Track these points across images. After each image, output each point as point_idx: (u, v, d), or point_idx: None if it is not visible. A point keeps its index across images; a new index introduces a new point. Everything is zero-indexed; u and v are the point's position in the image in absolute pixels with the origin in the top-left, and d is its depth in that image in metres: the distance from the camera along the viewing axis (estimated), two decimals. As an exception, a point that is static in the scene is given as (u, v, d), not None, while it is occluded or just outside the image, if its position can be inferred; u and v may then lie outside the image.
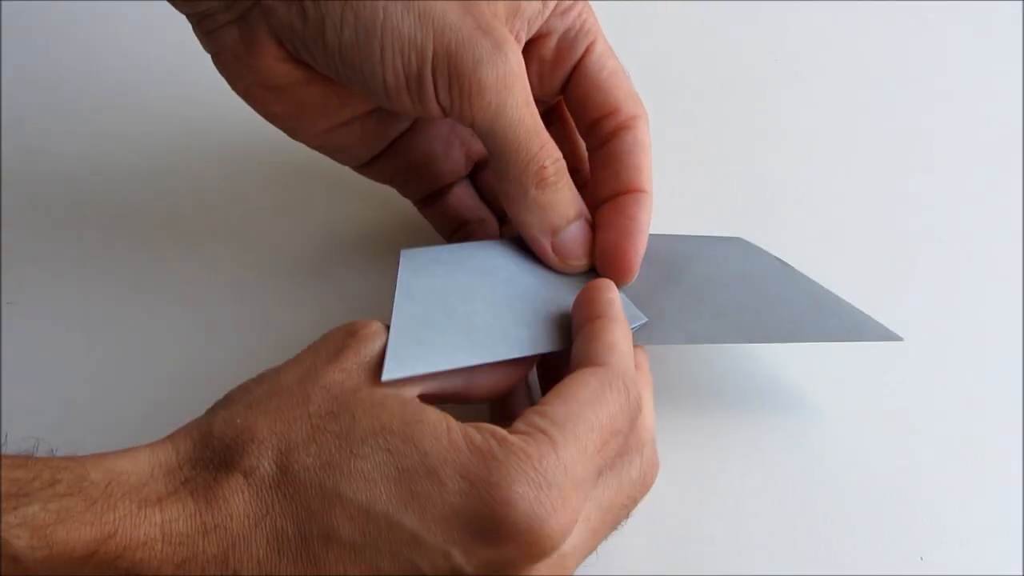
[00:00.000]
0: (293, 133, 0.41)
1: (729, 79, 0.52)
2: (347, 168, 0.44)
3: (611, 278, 0.39)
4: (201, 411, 0.34)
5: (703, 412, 0.42)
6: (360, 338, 0.35)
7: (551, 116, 0.43)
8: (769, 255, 0.41)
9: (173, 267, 0.47)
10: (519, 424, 0.33)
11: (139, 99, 0.51)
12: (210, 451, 0.32)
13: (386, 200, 0.46)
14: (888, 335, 0.39)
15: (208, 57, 0.40)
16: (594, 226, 0.40)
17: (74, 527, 0.29)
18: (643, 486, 0.36)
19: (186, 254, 0.47)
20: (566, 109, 0.43)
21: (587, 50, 0.41)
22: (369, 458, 0.32)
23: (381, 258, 0.46)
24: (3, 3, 0.54)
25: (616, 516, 0.35)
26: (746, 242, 0.42)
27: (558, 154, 0.39)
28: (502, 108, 0.37)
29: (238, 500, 0.31)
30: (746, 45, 0.53)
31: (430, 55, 0.36)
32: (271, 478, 0.31)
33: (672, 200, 0.46)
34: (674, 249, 0.42)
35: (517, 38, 0.39)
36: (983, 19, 0.53)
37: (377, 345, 0.35)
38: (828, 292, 0.40)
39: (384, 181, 0.44)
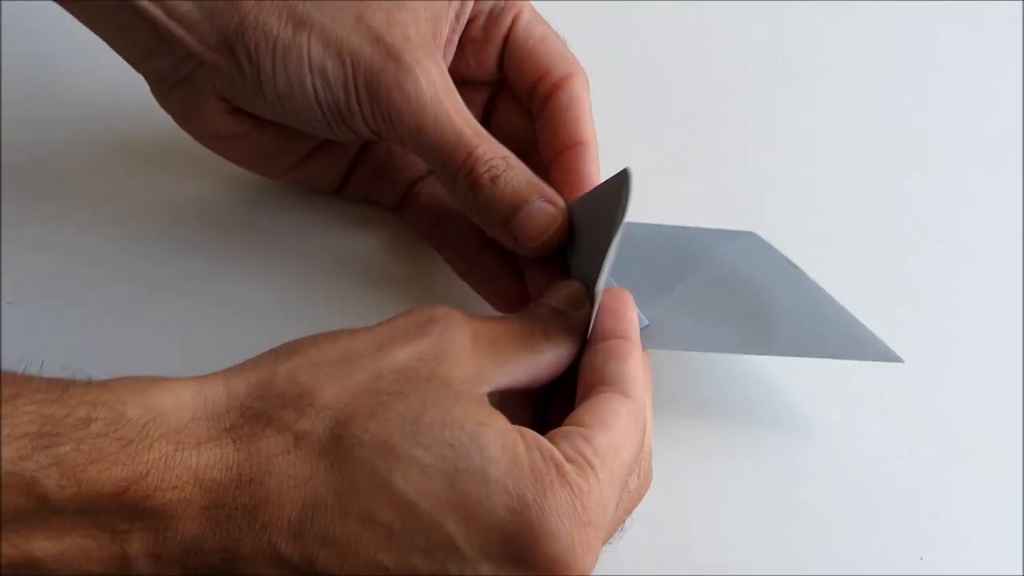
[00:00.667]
0: (263, 174, 0.44)
1: (725, 79, 0.52)
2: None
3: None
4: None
5: (701, 412, 0.42)
6: (441, 326, 0.35)
7: (502, 94, 0.44)
8: (779, 254, 0.41)
9: (175, 266, 0.47)
10: (567, 447, 0.33)
11: (140, 99, 0.51)
12: (264, 403, 0.32)
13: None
14: (889, 355, 0.39)
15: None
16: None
17: (105, 467, 0.28)
18: (638, 497, 0.36)
19: (188, 253, 0.47)
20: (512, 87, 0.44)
21: (513, 22, 0.42)
22: (431, 449, 0.31)
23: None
24: (3, 3, 0.54)
25: (613, 531, 0.35)
26: (759, 238, 0.42)
27: (493, 153, 0.39)
28: (421, 127, 0.39)
29: (283, 460, 0.31)
30: (743, 45, 0.54)
31: (353, 87, 0.39)
32: (322, 446, 0.31)
33: (670, 201, 0.46)
34: (686, 245, 0.42)
35: (449, 40, 0.41)
36: (980, 19, 0.53)
37: (457, 336, 0.34)
38: (833, 302, 0.40)
39: (360, 199, 0.46)
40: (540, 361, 0.36)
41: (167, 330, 0.45)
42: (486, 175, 0.39)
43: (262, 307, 0.45)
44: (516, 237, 0.39)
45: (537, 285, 0.41)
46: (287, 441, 0.31)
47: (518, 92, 0.43)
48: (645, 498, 0.39)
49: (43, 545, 0.29)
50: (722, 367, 0.43)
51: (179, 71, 0.40)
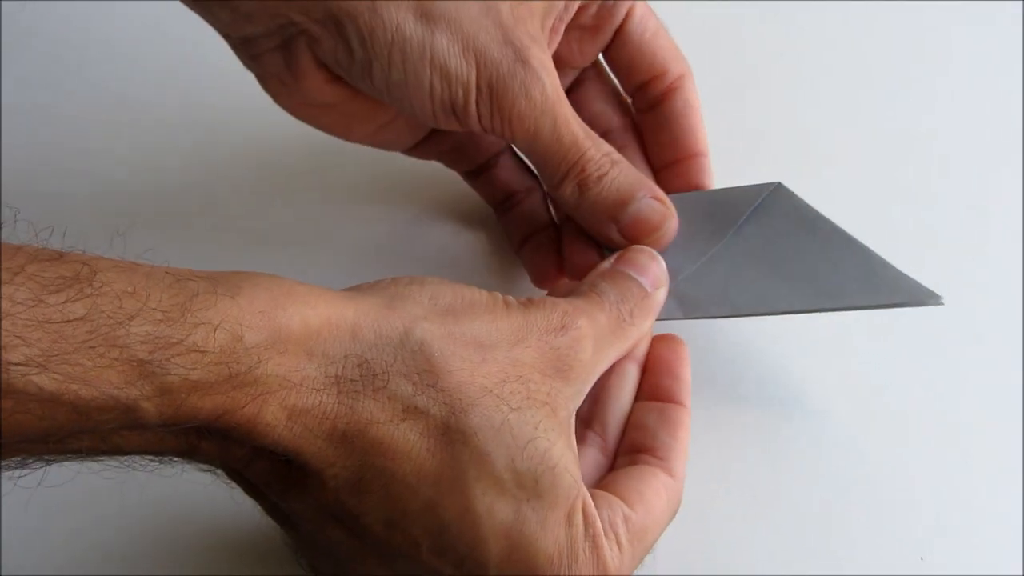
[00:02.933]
0: (341, 136, 0.42)
1: (730, 80, 0.52)
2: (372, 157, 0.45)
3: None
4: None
5: (699, 412, 0.42)
6: (573, 337, 0.35)
7: (588, 74, 0.44)
8: (806, 205, 0.41)
9: (177, 265, 0.47)
10: (607, 518, 0.34)
11: (140, 98, 0.51)
12: (386, 364, 0.31)
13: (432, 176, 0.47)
14: (929, 297, 0.39)
15: (210, 55, 0.40)
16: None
17: (208, 395, 0.28)
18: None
19: (190, 252, 0.47)
20: (606, 68, 0.44)
21: (628, 15, 0.41)
22: (520, 476, 0.32)
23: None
24: (3, 3, 0.54)
25: None
26: (785, 189, 0.41)
27: (601, 153, 0.39)
28: (539, 132, 0.38)
29: (383, 429, 0.31)
30: (750, 46, 0.53)
31: (474, 88, 0.38)
32: (428, 429, 0.31)
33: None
34: (712, 210, 0.41)
35: (555, 29, 0.40)
36: (986, 19, 0.53)
37: (582, 353, 0.35)
38: (867, 249, 0.40)
39: (430, 159, 0.45)
40: (625, 346, 0.37)
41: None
42: (595, 174, 0.39)
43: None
44: (625, 233, 0.40)
45: (574, 262, 0.42)
46: (395, 411, 0.31)
47: (626, 85, 0.43)
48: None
49: (128, 438, 0.29)
50: (719, 365, 0.43)
51: (274, 38, 0.38)
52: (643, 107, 0.43)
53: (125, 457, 0.30)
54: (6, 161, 0.50)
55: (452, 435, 0.31)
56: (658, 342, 0.40)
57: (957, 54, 0.52)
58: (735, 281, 0.40)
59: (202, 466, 0.32)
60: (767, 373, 0.42)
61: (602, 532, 0.33)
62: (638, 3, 0.42)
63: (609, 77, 0.44)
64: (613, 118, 0.44)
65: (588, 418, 0.38)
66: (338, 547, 0.33)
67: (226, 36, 0.39)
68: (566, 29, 0.41)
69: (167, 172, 0.50)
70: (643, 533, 0.34)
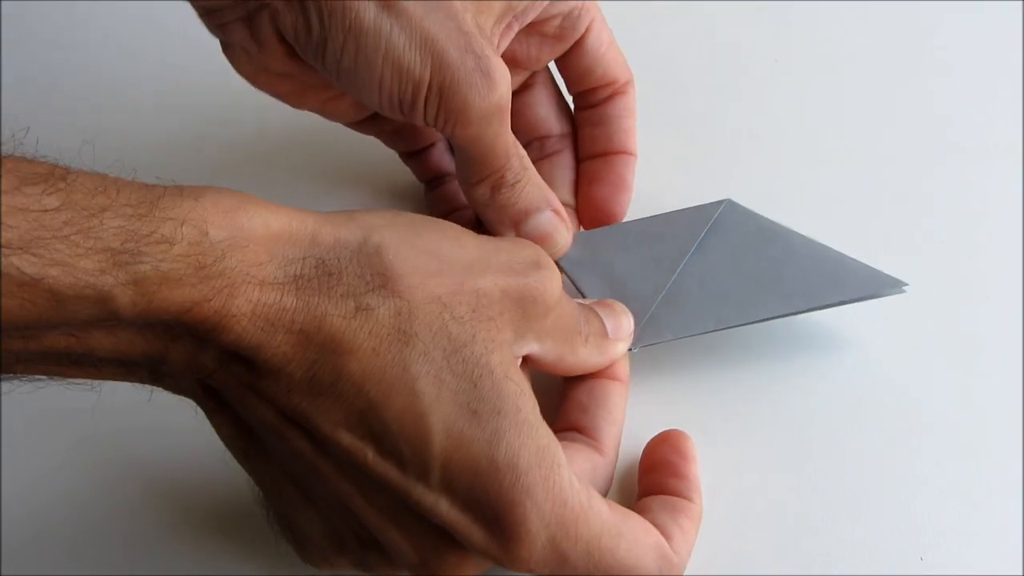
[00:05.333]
0: (294, 104, 0.43)
1: (727, 81, 0.52)
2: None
3: (591, 228, 0.44)
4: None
5: (698, 413, 0.42)
6: (542, 276, 0.36)
7: (539, 78, 0.46)
8: (759, 216, 0.43)
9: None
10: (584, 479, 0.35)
11: (140, 97, 0.51)
12: (343, 264, 0.32)
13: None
14: (894, 284, 0.40)
15: (209, 54, 0.40)
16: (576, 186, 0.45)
17: (177, 288, 0.29)
18: None
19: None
20: (553, 73, 0.46)
21: (588, 28, 0.43)
22: (459, 377, 0.33)
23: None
24: (3, 3, 0.54)
25: None
26: (734, 204, 0.43)
27: (520, 162, 0.41)
28: (480, 137, 0.39)
29: (334, 323, 0.32)
30: (744, 47, 0.53)
31: (425, 87, 0.38)
32: (377, 327, 0.32)
33: (671, 204, 0.46)
34: (667, 233, 0.43)
35: (509, 28, 0.41)
36: (986, 19, 0.53)
37: (547, 296, 0.36)
38: (826, 248, 0.42)
39: (371, 134, 0.46)
40: (568, 359, 0.38)
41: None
42: (510, 181, 0.41)
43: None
44: (527, 239, 0.41)
45: None
46: (348, 308, 0.32)
47: (573, 87, 0.45)
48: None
49: (100, 338, 0.30)
50: (717, 366, 0.43)
51: (238, 9, 0.39)
52: (585, 105, 0.45)
53: (96, 374, 0.32)
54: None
55: (397, 335, 0.32)
56: (660, 442, 0.40)
57: (957, 54, 0.52)
58: (708, 297, 0.41)
59: (170, 387, 0.33)
60: (765, 373, 0.42)
61: (561, 460, 0.33)
62: (597, 18, 0.43)
63: (555, 83, 0.46)
64: (555, 125, 0.46)
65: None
66: (299, 462, 0.33)
67: (193, 5, 0.40)
68: (527, 34, 0.42)
69: (169, 170, 0.49)
70: (622, 544, 0.35)
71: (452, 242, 0.35)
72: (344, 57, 0.38)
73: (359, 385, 0.32)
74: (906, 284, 0.40)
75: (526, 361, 0.37)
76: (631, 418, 0.40)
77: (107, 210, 0.29)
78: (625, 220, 0.45)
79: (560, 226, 0.42)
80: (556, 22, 0.43)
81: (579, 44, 0.44)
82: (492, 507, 0.32)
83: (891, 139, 0.49)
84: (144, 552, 0.40)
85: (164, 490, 0.41)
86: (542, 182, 0.42)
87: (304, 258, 0.32)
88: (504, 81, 0.39)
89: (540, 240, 0.41)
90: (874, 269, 0.41)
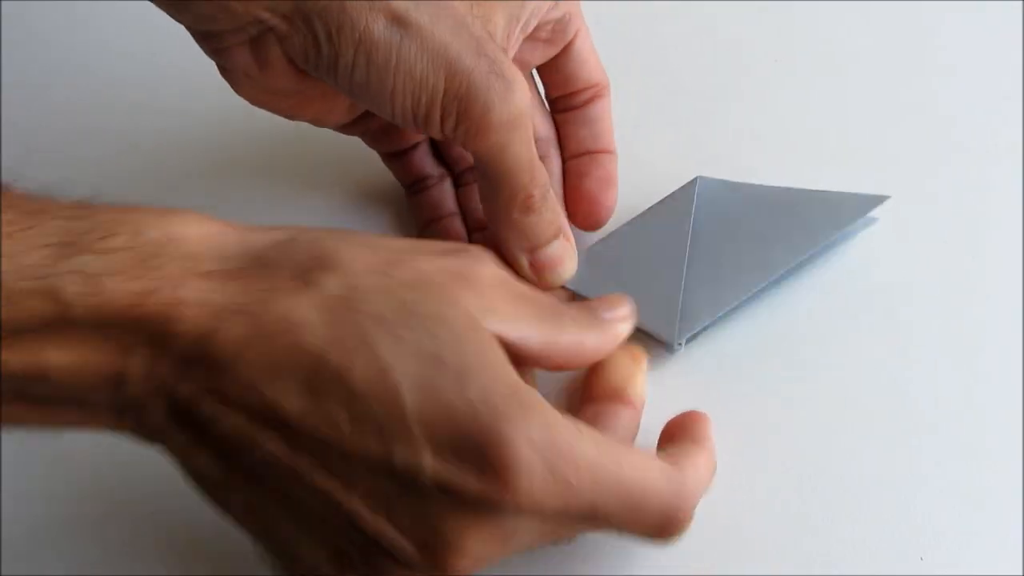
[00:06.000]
0: (289, 117, 0.43)
1: (727, 81, 0.52)
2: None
3: (583, 223, 0.45)
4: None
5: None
6: (473, 255, 0.35)
7: None
8: (732, 183, 0.45)
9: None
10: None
11: (140, 98, 0.51)
12: (281, 255, 0.33)
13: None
14: (874, 201, 0.43)
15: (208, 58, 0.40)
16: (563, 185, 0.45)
17: (122, 280, 0.30)
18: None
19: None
20: (532, 77, 0.46)
21: (576, 33, 0.44)
22: (416, 332, 0.32)
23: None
24: (3, 3, 0.54)
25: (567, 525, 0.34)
26: (707, 180, 0.45)
27: (545, 179, 0.40)
28: (506, 147, 0.38)
29: (281, 300, 0.31)
30: (745, 46, 0.53)
31: (440, 96, 0.38)
32: (326, 300, 0.32)
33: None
34: (662, 225, 0.44)
35: (513, 36, 0.41)
36: (988, 19, 0.53)
37: (486, 271, 0.35)
38: (804, 190, 0.44)
39: (355, 135, 0.46)
40: (559, 339, 0.36)
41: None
42: (538, 200, 0.40)
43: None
44: (535, 265, 0.41)
45: None
46: (292, 286, 0.32)
47: (553, 91, 0.46)
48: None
49: (56, 355, 0.30)
50: (714, 365, 0.43)
51: (240, 35, 0.38)
52: (566, 108, 0.46)
53: (53, 416, 0.31)
54: (6, 160, 0.50)
55: (346, 304, 0.32)
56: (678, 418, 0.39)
57: (959, 54, 0.52)
58: (725, 270, 0.42)
59: (137, 427, 0.32)
60: (765, 372, 0.42)
61: (540, 399, 0.32)
62: (583, 25, 0.44)
63: (536, 86, 0.46)
64: (541, 127, 0.46)
65: None
66: (278, 471, 0.32)
67: (189, 30, 0.39)
68: (525, 40, 0.42)
69: (169, 170, 0.50)
70: (619, 464, 0.33)
71: (380, 238, 0.35)
72: (355, 72, 0.37)
73: (318, 357, 0.31)
74: (887, 196, 0.43)
75: (523, 364, 0.35)
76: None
77: (46, 212, 0.30)
78: (614, 227, 0.45)
79: (570, 250, 0.41)
80: (549, 27, 0.43)
81: (567, 49, 0.44)
82: (478, 447, 0.31)
83: (893, 139, 0.49)
84: (143, 553, 0.40)
85: (168, 490, 0.41)
86: (556, 204, 0.41)
87: (240, 255, 0.32)
88: (522, 85, 0.38)
89: (553, 266, 0.41)
90: (854, 193, 0.43)
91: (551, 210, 0.41)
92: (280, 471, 0.32)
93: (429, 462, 0.31)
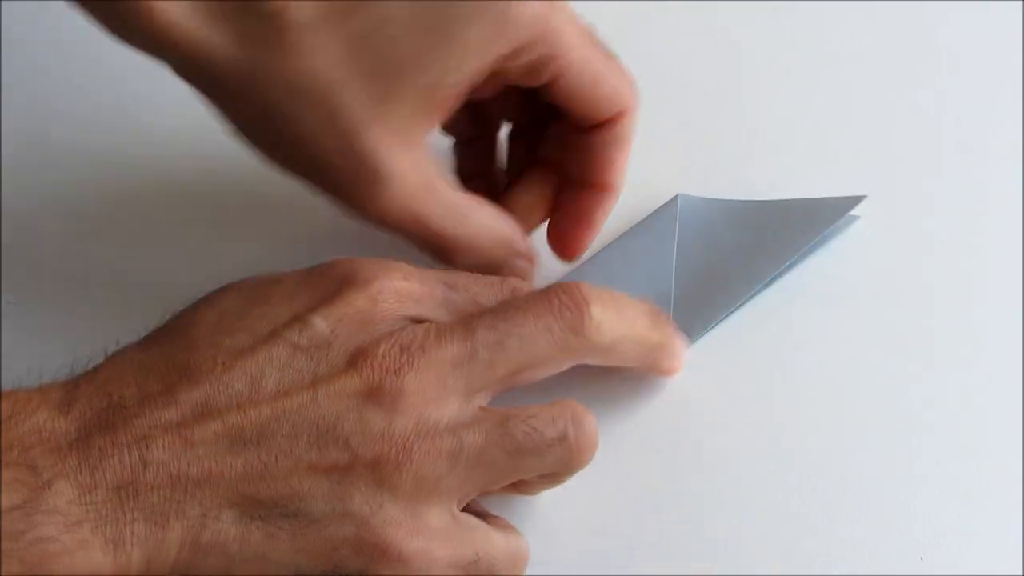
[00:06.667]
0: None
1: (727, 82, 0.52)
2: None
3: (557, 254, 0.42)
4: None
5: (696, 413, 0.42)
6: (358, 291, 0.34)
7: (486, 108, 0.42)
8: (712, 199, 0.45)
9: (177, 265, 0.47)
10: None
11: (141, 97, 0.51)
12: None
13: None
14: (851, 202, 0.44)
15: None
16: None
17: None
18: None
19: (190, 251, 0.47)
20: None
21: (558, 74, 0.38)
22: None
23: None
24: (3, 3, 0.54)
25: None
26: (687, 197, 0.45)
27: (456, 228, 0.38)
28: (402, 226, 0.38)
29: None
30: (746, 47, 0.53)
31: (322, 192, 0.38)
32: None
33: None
34: (645, 242, 0.44)
35: (451, 106, 0.37)
36: (992, 19, 0.53)
37: (386, 307, 0.34)
38: (782, 201, 0.45)
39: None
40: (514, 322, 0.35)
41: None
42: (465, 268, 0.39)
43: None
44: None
45: None
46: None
47: (562, 116, 0.41)
48: (640, 496, 0.39)
49: None
50: (713, 365, 0.43)
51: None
52: (570, 129, 0.41)
53: None
54: (6, 160, 0.50)
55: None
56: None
57: (963, 54, 0.52)
58: (711, 284, 0.43)
59: None
60: (764, 371, 0.42)
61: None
62: (574, 56, 0.38)
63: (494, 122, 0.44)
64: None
65: None
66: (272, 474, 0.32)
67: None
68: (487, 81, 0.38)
69: (170, 170, 0.50)
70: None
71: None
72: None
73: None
74: (864, 195, 0.44)
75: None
76: (625, 414, 0.40)
77: None
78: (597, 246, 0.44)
79: (529, 271, 0.41)
80: (513, 75, 0.38)
81: (553, 86, 0.38)
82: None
83: (896, 139, 0.49)
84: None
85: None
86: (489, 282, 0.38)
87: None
88: (397, 177, 0.36)
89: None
90: (831, 197, 0.44)
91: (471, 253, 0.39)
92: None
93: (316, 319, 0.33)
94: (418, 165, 0.37)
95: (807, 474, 0.40)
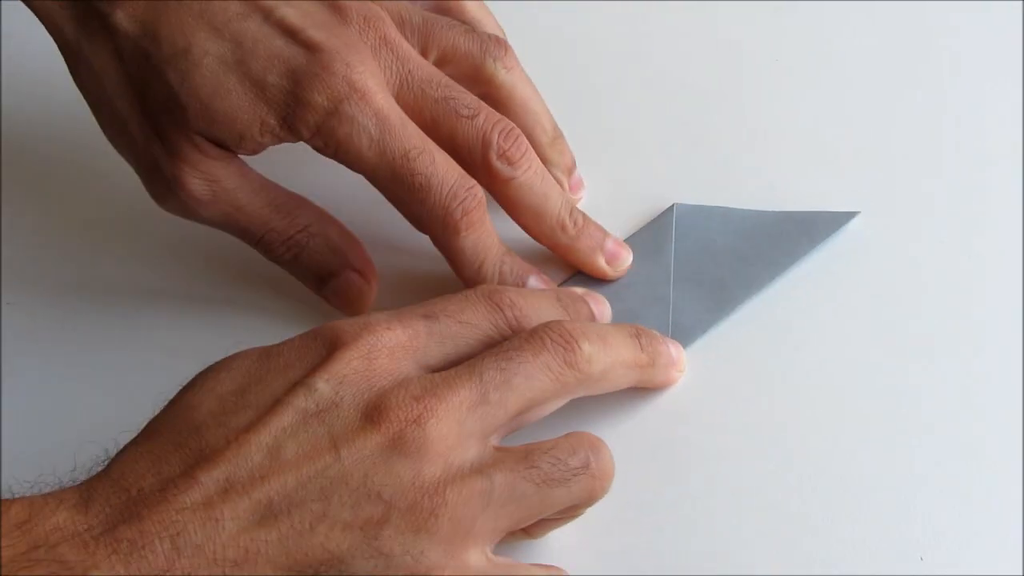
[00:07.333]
0: None
1: (727, 82, 0.52)
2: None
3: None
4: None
5: (695, 413, 0.42)
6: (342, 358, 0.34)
7: None
8: (709, 207, 0.46)
9: (177, 265, 0.47)
10: None
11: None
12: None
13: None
14: (844, 218, 0.45)
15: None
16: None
17: None
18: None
19: (193, 252, 0.47)
20: None
21: (344, 142, 0.40)
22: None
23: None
24: (3, 3, 0.54)
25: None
26: (684, 206, 0.46)
27: (293, 228, 0.44)
28: (225, 223, 0.44)
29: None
30: (746, 47, 0.53)
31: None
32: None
33: (671, 201, 0.46)
34: (643, 252, 0.45)
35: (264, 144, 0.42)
36: (992, 20, 0.53)
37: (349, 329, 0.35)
38: (776, 213, 0.45)
39: None
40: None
41: (170, 330, 0.45)
42: (287, 255, 0.43)
43: (270, 307, 0.45)
44: (331, 303, 0.44)
45: None
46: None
47: None
48: (640, 496, 0.39)
49: None
50: (712, 365, 0.43)
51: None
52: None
53: None
54: (6, 161, 0.50)
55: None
56: None
57: (962, 54, 0.52)
58: (707, 291, 0.43)
59: None
60: (764, 372, 0.42)
61: None
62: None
63: None
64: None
65: None
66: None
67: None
68: None
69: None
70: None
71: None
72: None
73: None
74: (858, 211, 0.45)
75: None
76: (625, 416, 0.41)
77: None
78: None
79: (363, 288, 0.44)
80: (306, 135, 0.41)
81: (336, 155, 0.42)
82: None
83: (895, 139, 0.49)
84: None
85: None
86: (335, 242, 0.44)
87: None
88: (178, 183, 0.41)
89: (343, 305, 0.44)
90: (826, 211, 0.45)
91: (316, 255, 0.44)
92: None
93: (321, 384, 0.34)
94: (210, 177, 0.41)
95: (807, 474, 0.40)
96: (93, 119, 0.43)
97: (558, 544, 0.38)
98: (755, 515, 0.39)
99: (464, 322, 0.36)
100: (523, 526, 0.35)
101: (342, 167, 0.41)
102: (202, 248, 0.47)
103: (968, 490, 0.39)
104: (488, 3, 0.48)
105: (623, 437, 0.39)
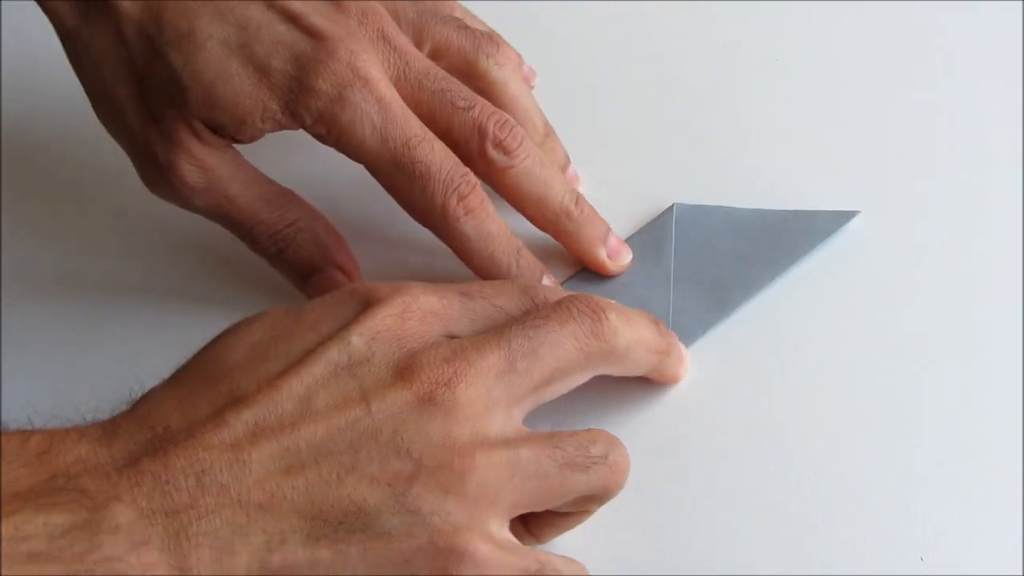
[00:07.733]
0: None
1: (727, 82, 0.52)
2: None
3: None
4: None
5: (695, 413, 0.42)
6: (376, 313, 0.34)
7: None
8: (706, 207, 0.46)
9: (177, 266, 0.47)
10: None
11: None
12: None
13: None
14: (844, 217, 0.45)
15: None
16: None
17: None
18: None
19: (189, 252, 0.47)
20: None
21: (344, 129, 0.41)
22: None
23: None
24: (3, 3, 0.54)
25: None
26: (684, 206, 0.46)
27: (281, 222, 0.44)
28: (216, 212, 0.44)
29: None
30: (745, 47, 0.53)
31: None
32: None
33: (670, 200, 0.46)
34: (643, 252, 0.45)
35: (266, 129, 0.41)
36: (987, 20, 0.53)
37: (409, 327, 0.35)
38: (776, 211, 0.45)
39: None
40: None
41: (171, 331, 0.45)
42: (272, 248, 0.43)
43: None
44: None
45: None
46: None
47: None
48: (640, 496, 0.39)
49: None
50: (711, 366, 0.43)
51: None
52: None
53: None
54: (6, 161, 0.50)
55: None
56: None
57: (957, 54, 0.52)
58: (708, 291, 0.44)
59: None
60: (764, 372, 0.42)
61: None
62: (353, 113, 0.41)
63: None
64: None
65: None
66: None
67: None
68: None
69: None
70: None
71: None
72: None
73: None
74: (858, 211, 0.45)
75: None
76: (626, 416, 0.41)
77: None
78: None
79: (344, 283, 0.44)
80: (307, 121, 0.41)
81: (336, 142, 0.42)
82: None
83: (896, 139, 0.49)
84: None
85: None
86: (320, 238, 0.44)
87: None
88: (178, 178, 0.41)
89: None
90: (827, 211, 0.45)
91: (301, 251, 0.44)
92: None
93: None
94: (204, 165, 0.41)
95: (807, 474, 0.40)
96: (94, 119, 0.43)
97: (561, 544, 0.38)
98: (755, 515, 0.39)
99: (498, 307, 0.36)
100: (538, 508, 0.35)
101: (332, 161, 0.41)
102: (202, 248, 0.47)
103: (968, 490, 0.39)
104: (488, 2, 0.48)
105: (624, 437, 0.39)
